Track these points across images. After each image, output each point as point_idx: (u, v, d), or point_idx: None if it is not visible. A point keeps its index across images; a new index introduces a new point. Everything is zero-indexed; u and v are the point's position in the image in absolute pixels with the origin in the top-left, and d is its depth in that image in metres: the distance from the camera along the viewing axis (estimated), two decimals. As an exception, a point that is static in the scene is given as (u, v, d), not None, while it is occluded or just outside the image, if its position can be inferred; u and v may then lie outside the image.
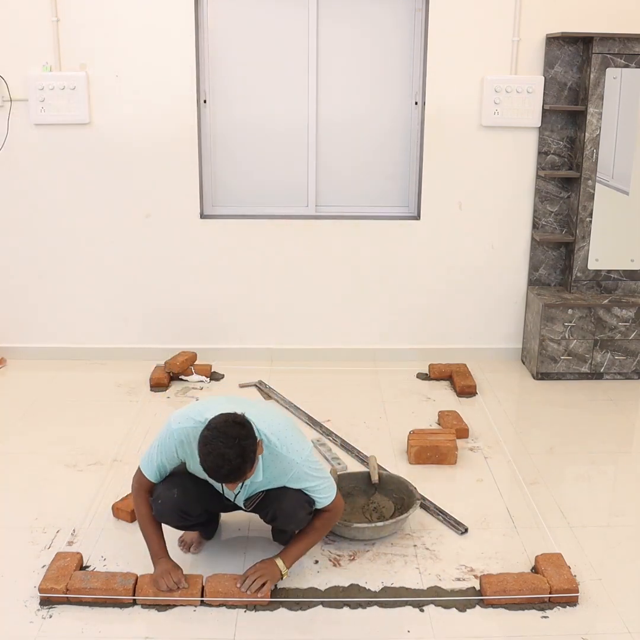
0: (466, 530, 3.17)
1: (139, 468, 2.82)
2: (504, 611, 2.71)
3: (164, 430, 2.75)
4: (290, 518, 2.78)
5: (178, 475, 2.81)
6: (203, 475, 2.68)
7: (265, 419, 2.71)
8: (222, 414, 2.56)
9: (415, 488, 3.24)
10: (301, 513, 2.76)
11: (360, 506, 3.28)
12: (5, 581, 2.83)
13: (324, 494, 2.79)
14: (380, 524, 3.04)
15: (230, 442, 2.46)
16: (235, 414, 2.57)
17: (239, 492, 2.77)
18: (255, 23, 4.57)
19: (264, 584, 2.71)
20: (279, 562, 2.76)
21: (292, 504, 2.75)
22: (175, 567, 2.76)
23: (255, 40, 4.60)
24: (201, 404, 2.79)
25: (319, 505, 2.80)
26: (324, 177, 4.83)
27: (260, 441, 2.61)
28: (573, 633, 2.62)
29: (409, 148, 4.79)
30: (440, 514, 3.27)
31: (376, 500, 3.31)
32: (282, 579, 2.76)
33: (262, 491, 2.80)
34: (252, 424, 2.58)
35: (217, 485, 2.79)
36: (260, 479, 2.71)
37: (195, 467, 2.69)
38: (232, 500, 2.83)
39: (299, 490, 2.75)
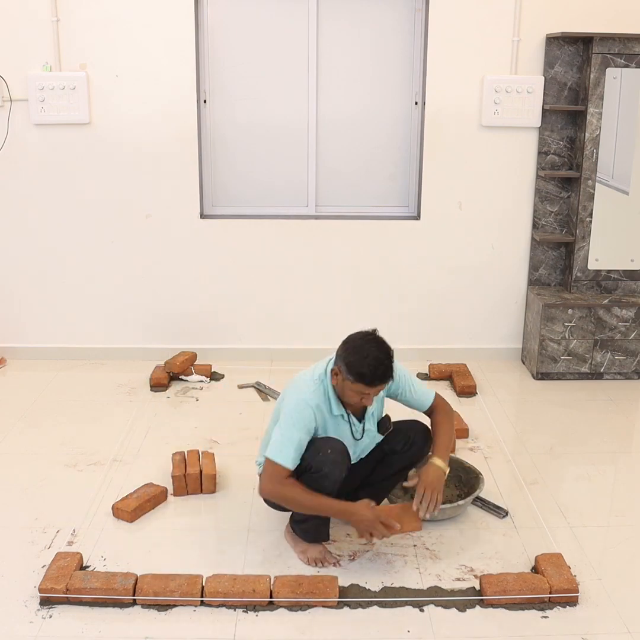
0: (507, 513, 3.27)
1: (265, 467, 2.77)
2: (504, 611, 2.71)
3: (292, 406, 2.79)
4: (427, 438, 3.01)
5: (311, 442, 2.82)
6: (337, 425, 2.87)
7: None
8: (356, 332, 2.80)
9: (470, 464, 3.40)
10: (427, 432, 3.03)
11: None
12: (5, 581, 2.84)
13: (425, 390, 3.05)
14: (461, 502, 3.16)
15: (378, 346, 2.74)
16: (366, 330, 2.81)
17: (370, 421, 2.97)
18: (255, 23, 4.57)
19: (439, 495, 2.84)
20: (438, 462, 2.88)
21: (420, 426, 3.04)
22: (381, 516, 2.79)
23: (255, 40, 4.60)
24: (301, 374, 2.92)
25: (428, 403, 3.03)
26: (324, 177, 4.83)
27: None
28: (573, 633, 2.62)
29: (409, 148, 4.79)
30: (478, 500, 3.33)
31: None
32: (445, 476, 2.90)
33: (385, 415, 3.04)
34: None
35: (347, 433, 2.91)
36: (382, 395, 2.97)
37: (332, 411, 2.84)
38: (360, 436, 2.95)
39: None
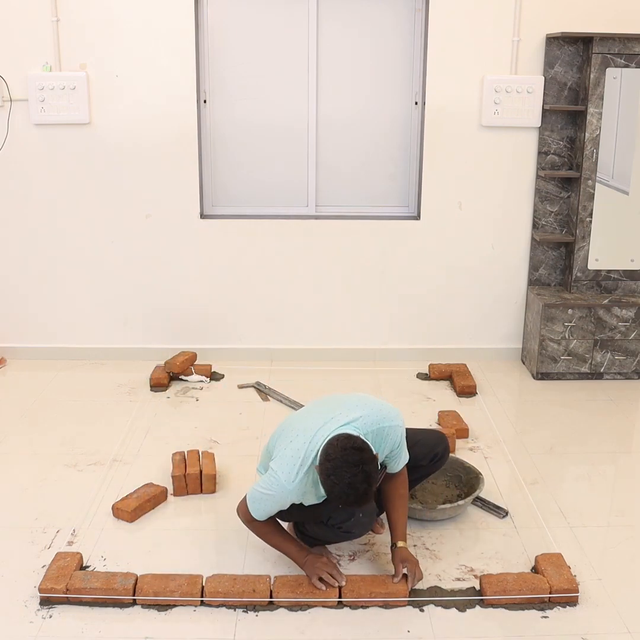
0: (507, 513, 3.26)
1: (246, 506, 2.77)
2: (504, 611, 2.71)
3: (277, 490, 2.66)
4: (443, 447, 3.08)
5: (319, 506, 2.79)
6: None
7: (359, 424, 2.70)
8: (338, 440, 2.56)
9: (470, 464, 3.41)
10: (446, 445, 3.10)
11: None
12: (5, 581, 2.84)
13: (403, 457, 2.88)
14: (461, 502, 3.16)
15: (355, 471, 2.49)
16: (350, 438, 2.57)
17: None
18: (255, 23, 4.57)
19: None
20: (405, 545, 2.84)
21: (440, 436, 3.10)
22: (329, 561, 2.79)
23: (255, 40, 4.60)
24: (290, 448, 2.69)
25: (395, 469, 2.87)
26: (324, 177, 4.83)
27: (377, 454, 2.61)
28: (573, 633, 2.62)
29: (409, 148, 4.79)
30: (478, 500, 3.33)
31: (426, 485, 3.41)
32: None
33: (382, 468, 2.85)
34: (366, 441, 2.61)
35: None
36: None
37: (319, 492, 2.70)
38: None
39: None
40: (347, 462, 2.49)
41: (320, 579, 2.74)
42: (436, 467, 3.11)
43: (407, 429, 2.88)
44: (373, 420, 2.73)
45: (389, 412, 2.80)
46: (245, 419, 4.17)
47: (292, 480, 2.64)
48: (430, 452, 3.04)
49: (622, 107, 4.51)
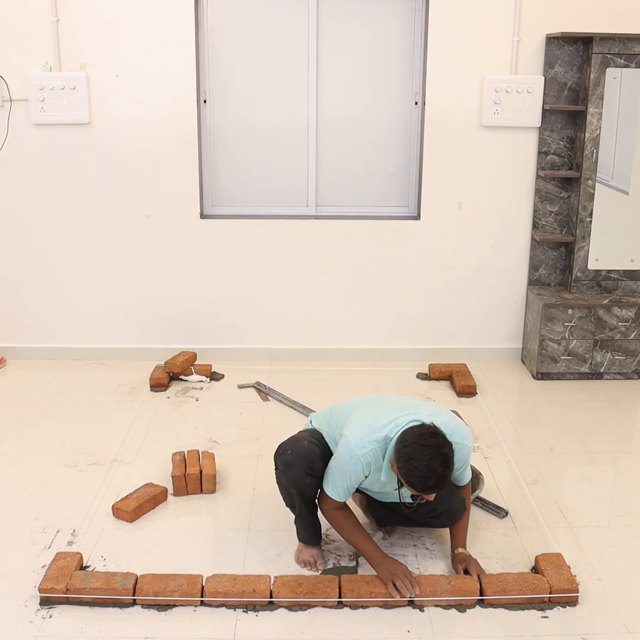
0: (507, 513, 3.27)
1: (324, 492, 2.83)
2: (504, 611, 2.71)
3: (346, 457, 2.73)
4: (454, 519, 2.96)
5: (304, 437, 2.90)
6: (384, 485, 2.81)
7: (429, 412, 2.77)
8: (413, 427, 2.62)
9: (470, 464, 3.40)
10: (460, 512, 2.95)
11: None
12: (5, 581, 2.84)
13: (468, 472, 2.95)
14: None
15: (432, 453, 2.53)
16: (424, 425, 2.63)
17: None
18: (255, 23, 4.57)
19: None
20: (462, 551, 2.91)
21: (458, 505, 2.93)
22: (407, 569, 2.80)
23: (255, 40, 4.60)
24: (367, 419, 2.76)
25: (462, 482, 2.95)
26: (324, 177, 4.83)
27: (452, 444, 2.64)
28: (573, 633, 2.62)
29: (409, 148, 4.79)
30: (478, 500, 3.33)
31: None
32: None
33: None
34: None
35: (394, 493, 2.85)
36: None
37: (381, 476, 2.75)
38: (403, 500, 2.86)
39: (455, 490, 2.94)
40: (424, 446, 2.55)
41: (394, 586, 2.73)
42: (437, 524, 3.03)
43: None
44: (446, 430, 2.70)
45: (461, 430, 2.81)
46: (245, 419, 4.17)
47: (362, 446, 2.69)
48: (430, 507, 2.89)
49: (622, 107, 4.51)
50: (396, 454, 2.62)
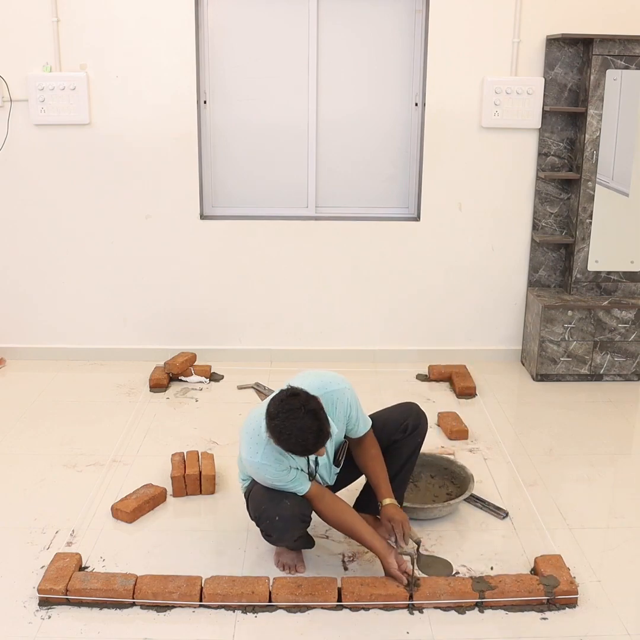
0: (506, 514, 3.27)
1: (303, 496, 2.76)
2: (503, 613, 2.71)
3: (256, 472, 2.72)
4: (414, 416, 3.00)
5: (275, 491, 2.75)
6: (319, 466, 2.81)
7: (299, 381, 2.75)
8: (273, 398, 2.60)
9: (462, 465, 3.43)
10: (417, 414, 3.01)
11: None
12: (4, 582, 2.84)
13: (362, 420, 2.89)
14: (455, 501, 3.20)
15: (298, 413, 2.50)
16: (281, 391, 2.61)
17: (326, 459, 2.85)
18: (255, 23, 4.57)
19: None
20: (388, 501, 2.83)
21: (408, 408, 3.03)
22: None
23: (255, 41, 4.60)
24: (244, 432, 2.76)
25: (360, 433, 2.89)
26: (324, 178, 4.83)
27: (318, 397, 2.62)
28: (572, 635, 2.62)
29: (409, 149, 4.79)
30: (478, 501, 3.33)
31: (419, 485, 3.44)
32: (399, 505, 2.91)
33: (344, 441, 2.89)
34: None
35: (305, 466, 2.78)
36: (336, 429, 2.75)
37: (295, 459, 2.71)
38: (320, 474, 2.85)
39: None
40: (289, 411, 2.51)
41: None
42: (415, 440, 3.01)
43: (376, 412, 3.02)
44: (316, 387, 2.71)
45: (332, 378, 2.80)
46: (244, 420, 4.16)
47: (256, 452, 2.67)
48: (401, 424, 2.97)
49: (622, 108, 4.51)
50: (268, 431, 2.56)
